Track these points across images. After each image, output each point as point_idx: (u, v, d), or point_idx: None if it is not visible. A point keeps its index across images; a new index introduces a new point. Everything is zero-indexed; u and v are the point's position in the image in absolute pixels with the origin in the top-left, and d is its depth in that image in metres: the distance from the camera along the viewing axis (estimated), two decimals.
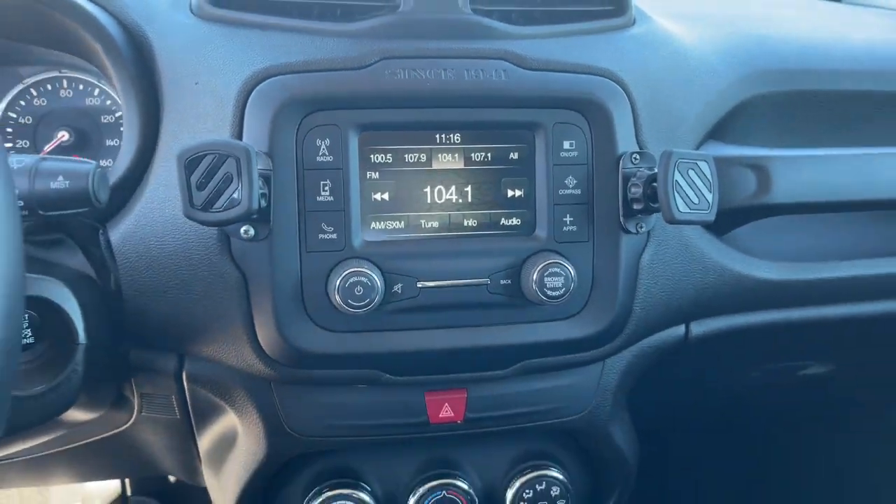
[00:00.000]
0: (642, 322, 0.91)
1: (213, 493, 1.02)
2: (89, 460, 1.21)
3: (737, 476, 1.88)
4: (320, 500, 0.93)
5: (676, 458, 1.87)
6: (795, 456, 1.75)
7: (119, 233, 0.82)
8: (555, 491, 0.98)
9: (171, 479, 2.08)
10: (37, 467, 1.20)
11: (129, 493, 1.99)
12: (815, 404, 1.50)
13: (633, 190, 0.83)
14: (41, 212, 0.69)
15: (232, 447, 0.94)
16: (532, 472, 0.99)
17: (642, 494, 1.06)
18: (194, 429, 0.97)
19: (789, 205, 0.95)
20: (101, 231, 0.83)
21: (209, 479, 1.02)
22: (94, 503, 1.95)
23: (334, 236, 0.80)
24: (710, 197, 0.81)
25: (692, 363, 1.08)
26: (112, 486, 1.99)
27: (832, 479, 1.66)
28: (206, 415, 0.94)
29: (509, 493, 0.98)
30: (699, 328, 0.99)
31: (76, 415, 0.85)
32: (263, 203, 0.75)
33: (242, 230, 0.78)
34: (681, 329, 0.99)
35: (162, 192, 0.82)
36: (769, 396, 1.37)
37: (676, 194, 0.79)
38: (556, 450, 1.02)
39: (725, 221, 0.95)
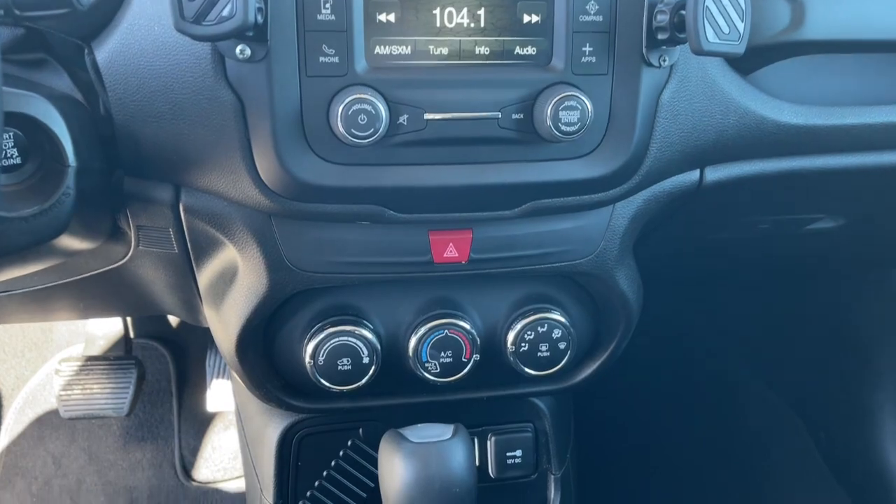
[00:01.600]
0: (657, 164, 0.88)
1: (215, 332, 1.02)
2: (89, 295, 1.21)
3: (740, 323, 1.92)
4: (322, 336, 0.93)
5: (678, 308, 1.90)
6: (798, 309, 1.77)
7: (105, 52, 0.77)
8: (556, 333, 0.98)
9: (173, 322, 2.13)
10: (38, 300, 1.20)
11: (131, 335, 2.03)
12: (819, 260, 1.50)
13: (658, 17, 0.77)
14: (17, 11, 0.64)
15: (232, 283, 0.93)
16: (534, 314, 0.98)
17: (649, 335, 1.06)
18: (193, 264, 0.96)
19: (823, 42, 0.89)
20: (86, 51, 0.78)
21: (210, 317, 1.02)
22: (96, 343, 1.99)
23: (336, 59, 0.75)
24: (741, 26, 0.75)
25: (702, 211, 1.06)
26: (115, 329, 2.03)
27: (835, 331, 1.69)
28: (205, 249, 0.93)
29: (510, 335, 0.98)
30: (714, 174, 0.96)
31: (72, 243, 0.83)
32: (259, 19, 0.70)
33: (238, 49, 0.73)
34: (695, 174, 0.96)
35: (150, 6, 0.75)
36: (773, 250, 1.36)
37: (706, 21, 0.73)
38: (559, 294, 1.01)
39: (752, 59, 0.89)
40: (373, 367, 0.95)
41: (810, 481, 1.70)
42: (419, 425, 0.83)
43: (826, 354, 1.73)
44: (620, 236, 0.95)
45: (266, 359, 0.99)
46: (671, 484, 1.86)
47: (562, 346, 0.98)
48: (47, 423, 2.00)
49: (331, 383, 0.96)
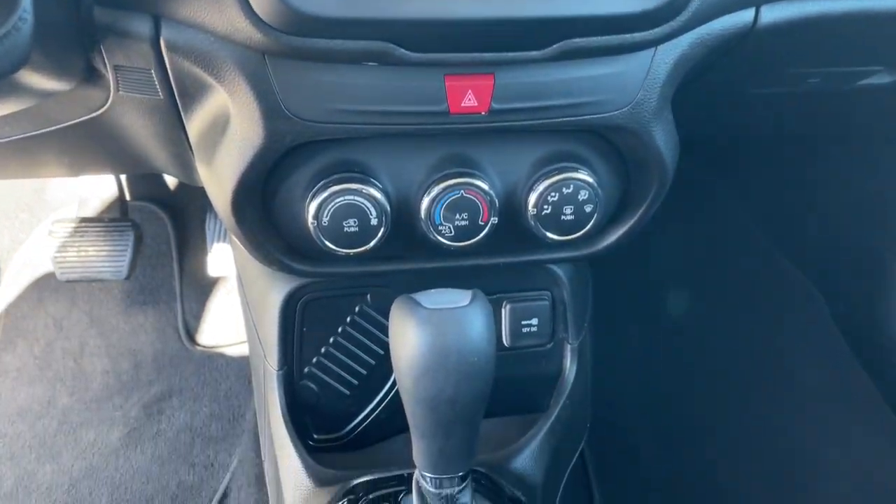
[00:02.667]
0: None
1: (209, 189, 0.94)
2: (73, 148, 1.11)
3: (763, 192, 1.84)
4: (326, 194, 0.85)
5: (714, 169, 1.81)
6: (822, 178, 1.68)
7: None
8: (582, 195, 0.89)
9: (171, 183, 2.05)
10: (20, 152, 1.11)
11: (126, 196, 1.96)
12: (861, 123, 1.39)
13: None
14: None
15: (224, 133, 0.83)
16: (559, 174, 0.89)
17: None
18: (181, 111, 0.86)
19: None
20: None
21: (203, 173, 0.93)
22: (89, 205, 1.92)
23: None
24: None
25: (750, 59, 0.94)
26: (108, 191, 1.95)
27: (858, 204, 1.61)
28: (193, 94, 0.82)
29: (532, 197, 0.89)
30: (771, 14, 0.84)
31: (41, 82, 0.73)
32: None
33: None
34: (749, 14, 0.84)
35: None
36: (817, 108, 1.25)
37: None
38: (587, 151, 0.92)
39: None
40: (381, 230, 0.87)
41: (827, 354, 1.66)
42: (434, 290, 0.75)
43: (849, 226, 1.65)
44: (661, 85, 0.84)
45: (265, 219, 0.91)
46: (682, 352, 1.83)
47: (588, 208, 0.90)
48: (46, 286, 1.96)
49: (336, 246, 0.88)
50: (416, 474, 0.82)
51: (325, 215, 0.85)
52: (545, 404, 1.15)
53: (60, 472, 1.69)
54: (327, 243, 0.87)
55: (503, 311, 1.11)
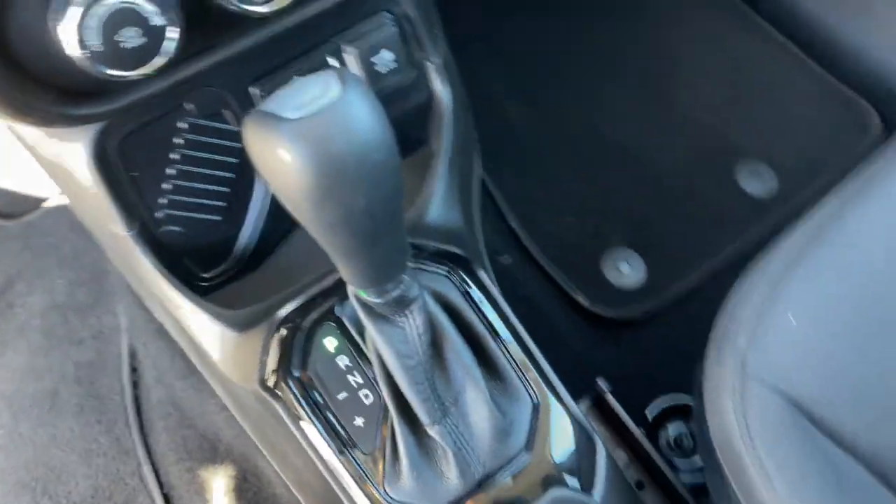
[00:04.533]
0: None
1: None
2: None
3: None
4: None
5: None
6: None
7: None
8: None
9: None
10: None
11: None
12: None
13: None
14: None
15: None
16: None
17: None
18: None
19: None
20: None
21: None
22: None
23: None
24: None
25: None
26: None
27: None
28: None
29: None
30: None
31: None
32: None
33: None
34: None
35: None
36: None
37: None
38: None
39: None
40: (173, 28, 0.66)
41: None
42: (286, 89, 0.56)
43: None
44: None
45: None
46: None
47: None
48: None
49: (122, 70, 0.67)
50: (352, 291, 0.71)
51: (89, 34, 0.63)
52: (428, 137, 1.03)
53: None
54: (107, 70, 0.66)
55: (348, 58, 0.93)
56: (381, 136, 0.55)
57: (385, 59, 0.94)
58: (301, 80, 0.57)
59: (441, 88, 1.00)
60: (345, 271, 0.66)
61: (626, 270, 1.52)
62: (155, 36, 0.67)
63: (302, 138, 0.52)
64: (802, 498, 0.70)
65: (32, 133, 0.85)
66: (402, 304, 0.71)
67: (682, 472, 1.14)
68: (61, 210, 1.65)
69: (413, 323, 0.72)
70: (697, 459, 1.17)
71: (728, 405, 0.76)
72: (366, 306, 0.71)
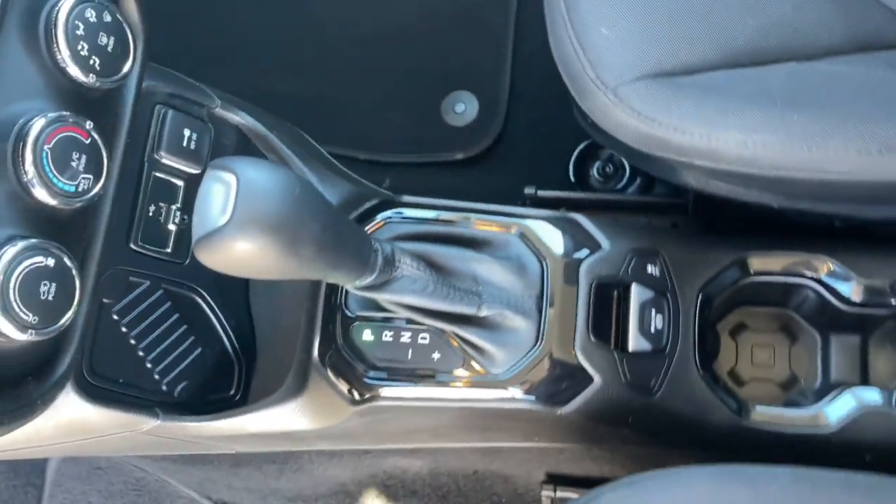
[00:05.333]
0: None
1: None
2: None
3: None
4: None
5: None
6: None
7: None
8: None
9: None
10: None
11: None
12: None
13: None
14: None
15: None
16: None
17: None
18: None
19: None
20: None
21: None
22: None
23: None
24: None
25: None
26: None
27: None
28: None
29: None
30: None
31: None
32: None
33: None
34: None
35: None
36: None
37: None
38: None
39: None
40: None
41: None
42: (197, 213, 0.66)
43: None
44: None
45: None
46: None
47: None
48: None
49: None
50: (352, 288, 0.83)
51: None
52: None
53: None
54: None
55: None
56: (293, 187, 0.66)
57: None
58: (199, 196, 0.66)
59: (239, 120, 1.06)
60: (338, 279, 0.78)
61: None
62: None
63: (248, 224, 0.63)
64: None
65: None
66: (388, 263, 0.83)
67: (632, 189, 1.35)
68: None
69: (406, 266, 0.85)
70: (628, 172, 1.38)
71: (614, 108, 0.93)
72: (369, 288, 0.84)
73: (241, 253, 0.64)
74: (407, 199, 1.02)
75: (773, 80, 0.91)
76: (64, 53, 0.74)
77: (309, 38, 1.74)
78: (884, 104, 0.86)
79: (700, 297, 1.02)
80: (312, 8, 1.75)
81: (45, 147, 0.71)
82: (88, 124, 0.76)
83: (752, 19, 0.91)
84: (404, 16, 1.73)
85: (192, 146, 1.00)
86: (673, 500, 0.77)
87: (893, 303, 1.00)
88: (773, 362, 1.12)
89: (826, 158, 0.85)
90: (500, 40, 1.69)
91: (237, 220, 0.63)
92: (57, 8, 0.74)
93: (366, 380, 0.96)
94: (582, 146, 1.43)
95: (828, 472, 0.77)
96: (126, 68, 0.81)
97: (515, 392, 0.94)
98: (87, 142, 0.75)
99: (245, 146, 1.05)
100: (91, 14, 0.76)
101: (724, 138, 0.89)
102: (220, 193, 0.65)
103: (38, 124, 0.70)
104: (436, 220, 0.99)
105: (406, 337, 0.96)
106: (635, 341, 0.96)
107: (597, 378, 0.94)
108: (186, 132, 0.99)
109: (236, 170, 0.65)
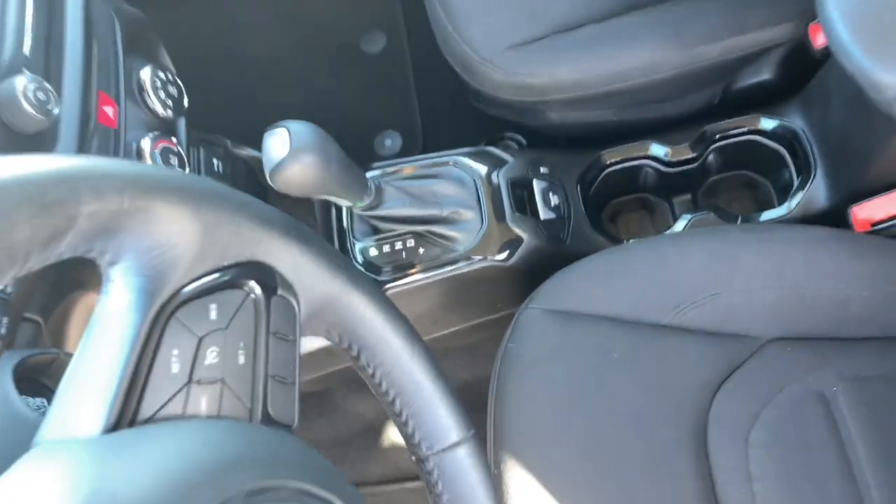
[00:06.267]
0: None
1: None
2: None
3: None
4: None
5: None
6: None
7: None
8: None
9: None
10: None
11: None
12: None
13: None
14: None
15: None
16: None
17: None
18: None
19: None
20: None
21: None
22: None
23: None
24: None
25: None
26: None
27: None
28: None
29: None
30: None
31: None
32: None
33: None
34: None
35: None
36: None
37: None
38: None
39: None
40: None
41: None
42: (265, 154, 1.16)
43: None
44: None
45: None
46: None
47: None
48: None
49: None
50: (357, 211, 1.32)
51: None
52: None
53: None
54: None
55: None
56: (321, 132, 1.16)
57: None
58: (266, 145, 1.16)
59: (245, 154, 1.57)
60: (350, 197, 1.27)
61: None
62: None
63: (300, 152, 1.12)
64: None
65: None
66: (378, 189, 1.33)
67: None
68: None
69: (391, 189, 1.35)
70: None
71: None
72: (369, 207, 1.33)
73: (298, 171, 1.12)
74: (377, 164, 1.54)
75: (585, 33, 1.49)
76: (152, 100, 1.24)
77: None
78: (671, 24, 1.44)
79: (578, 183, 1.56)
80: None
81: (155, 151, 1.19)
82: (173, 139, 1.25)
83: (561, 2, 1.50)
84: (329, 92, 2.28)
85: (220, 171, 1.49)
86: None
87: (694, 155, 1.56)
88: (639, 229, 1.67)
89: (648, 62, 1.42)
90: (405, 85, 2.26)
91: (294, 151, 1.13)
92: (141, 76, 1.23)
93: (379, 279, 1.43)
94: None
95: None
96: (186, 103, 1.31)
97: (476, 258, 1.43)
98: (177, 150, 1.24)
99: (250, 171, 1.54)
100: (159, 76, 1.26)
101: (564, 72, 1.45)
102: (279, 139, 1.14)
103: (146, 141, 1.19)
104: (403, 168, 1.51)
105: (399, 245, 1.45)
106: (543, 213, 1.48)
107: (525, 237, 1.44)
108: (215, 161, 1.48)
109: (286, 126, 1.15)
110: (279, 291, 0.62)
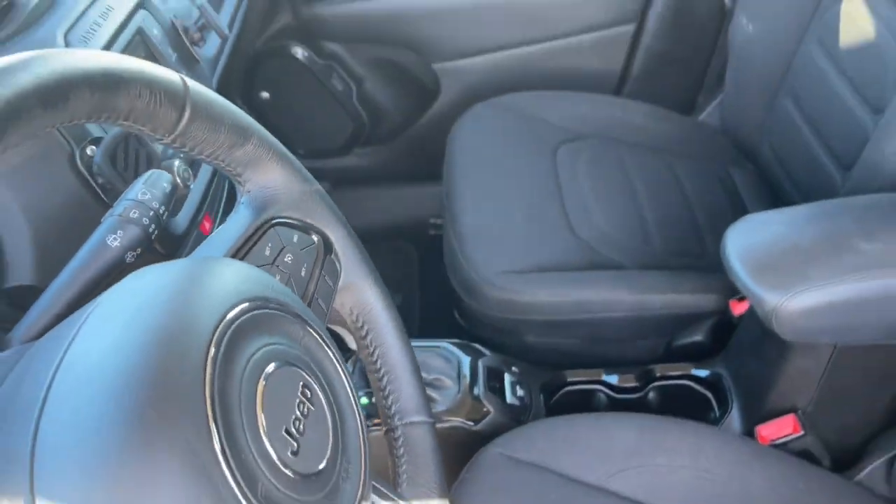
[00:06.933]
0: None
1: None
2: None
3: None
4: None
5: None
6: None
7: None
8: None
9: None
10: None
11: None
12: None
13: None
14: None
15: None
16: None
17: None
18: None
19: None
20: None
21: None
22: None
23: None
24: None
25: None
26: None
27: None
28: None
29: None
30: None
31: None
32: None
33: None
34: None
35: None
36: None
37: None
38: None
39: None
40: None
41: None
42: None
43: None
44: None
45: None
46: None
47: None
48: None
49: None
50: None
51: None
52: None
53: None
54: None
55: None
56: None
57: None
58: None
59: None
60: None
61: None
62: None
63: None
64: None
65: None
66: None
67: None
68: None
69: None
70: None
71: None
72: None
73: None
74: None
75: (568, 276, 1.94)
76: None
77: None
78: (626, 277, 1.90)
79: (541, 392, 1.89)
80: None
81: None
82: None
83: (547, 247, 1.98)
84: None
85: None
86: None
87: (638, 384, 1.91)
88: None
89: (606, 298, 1.86)
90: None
91: None
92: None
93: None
94: None
95: None
96: None
97: (452, 418, 1.72)
98: None
99: None
100: None
101: (543, 294, 1.88)
102: None
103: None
104: None
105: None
106: (510, 398, 1.79)
107: (493, 412, 1.74)
108: None
109: None
110: (332, 256, 0.99)
